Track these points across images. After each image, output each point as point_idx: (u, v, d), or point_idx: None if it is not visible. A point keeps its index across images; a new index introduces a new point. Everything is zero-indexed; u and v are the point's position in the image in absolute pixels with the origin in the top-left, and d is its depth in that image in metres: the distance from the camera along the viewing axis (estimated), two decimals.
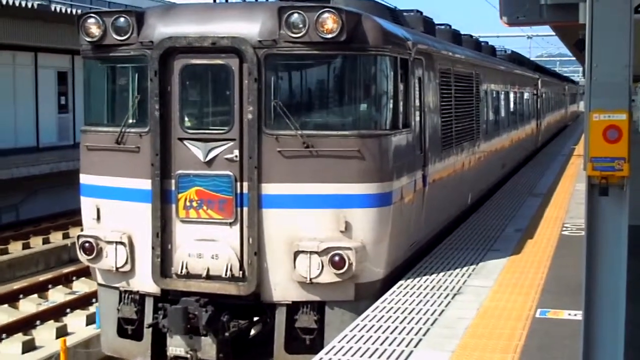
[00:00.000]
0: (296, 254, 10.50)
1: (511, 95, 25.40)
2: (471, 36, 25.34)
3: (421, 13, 17.91)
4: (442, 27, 21.29)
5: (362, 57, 10.68)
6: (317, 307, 10.71)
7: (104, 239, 11.21)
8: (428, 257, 12.91)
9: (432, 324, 9.49)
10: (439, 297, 10.57)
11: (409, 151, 11.92)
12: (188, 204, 10.78)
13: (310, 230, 10.54)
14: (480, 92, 18.64)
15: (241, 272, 10.64)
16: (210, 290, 10.73)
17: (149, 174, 10.82)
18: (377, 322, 9.61)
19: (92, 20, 11.00)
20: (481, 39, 30.25)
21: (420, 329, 9.32)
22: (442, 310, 9.99)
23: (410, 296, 10.66)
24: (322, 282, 10.47)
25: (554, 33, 26.76)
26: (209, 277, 10.71)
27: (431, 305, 10.24)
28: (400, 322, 9.56)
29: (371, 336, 9.10)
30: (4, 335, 15.25)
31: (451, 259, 12.84)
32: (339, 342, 8.93)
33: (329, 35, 10.28)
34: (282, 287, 10.65)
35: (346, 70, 10.77)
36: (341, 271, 10.41)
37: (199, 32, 10.62)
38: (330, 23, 10.24)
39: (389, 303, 10.35)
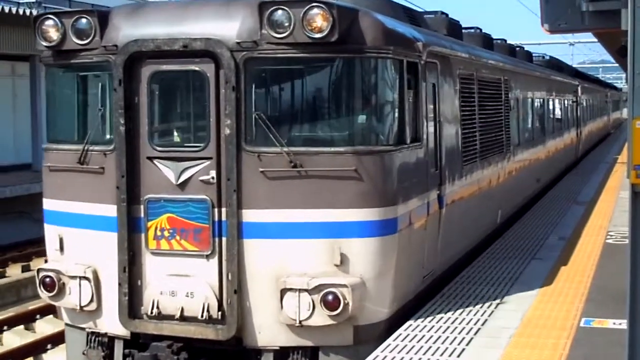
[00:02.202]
0: (283, 292, 8.95)
1: (548, 103, 23.62)
2: (505, 41, 23.70)
3: (446, 15, 16.36)
4: (471, 30, 19.79)
5: (359, 60, 9.10)
6: (309, 354, 9.14)
7: (66, 274, 9.74)
8: (468, 268, 12.69)
9: (475, 334, 9.35)
10: (481, 307, 10.43)
11: (420, 169, 10.31)
12: (159, 233, 9.28)
13: (300, 264, 8.99)
14: (511, 100, 16.94)
15: (220, 313, 9.11)
16: (184, 334, 9.22)
17: (114, 199, 9.34)
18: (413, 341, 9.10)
19: (49, 22, 9.56)
20: (523, 47, 28.70)
21: (464, 338, 9.19)
22: (486, 320, 9.86)
23: (450, 305, 10.26)
24: (314, 325, 8.91)
25: (596, 40, 25.32)
26: (183, 318, 9.20)
27: (469, 322, 9.75)
28: (434, 342, 9.09)
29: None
30: None
31: (493, 268, 12.68)
32: None
33: (319, 35, 8.73)
34: (268, 331, 9.10)
35: (340, 76, 9.20)
36: (335, 312, 8.83)
37: (169, 34, 9.13)
38: (319, 20, 8.70)
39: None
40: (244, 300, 9.08)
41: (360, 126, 9.21)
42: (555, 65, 31.84)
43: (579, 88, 33.16)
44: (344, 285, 8.84)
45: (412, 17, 12.77)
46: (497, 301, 10.64)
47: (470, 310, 10.23)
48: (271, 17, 8.84)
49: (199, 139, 9.25)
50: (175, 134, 9.55)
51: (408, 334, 9.28)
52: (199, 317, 9.10)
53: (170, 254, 9.27)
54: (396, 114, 9.65)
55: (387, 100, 9.50)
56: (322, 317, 8.87)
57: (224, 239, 9.09)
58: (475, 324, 9.69)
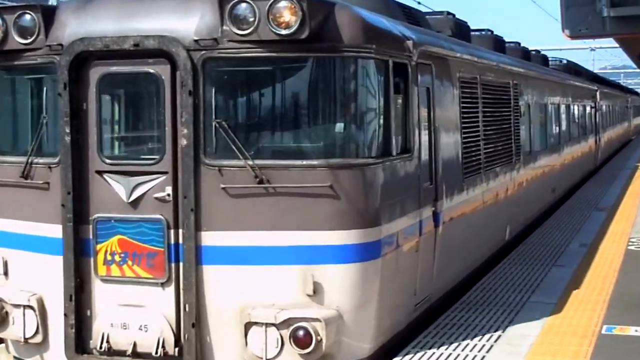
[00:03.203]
0: (247, 325, 7.81)
1: (563, 109, 22.35)
2: (519, 44, 22.50)
3: (453, 15, 15.21)
4: (482, 32, 18.61)
5: (334, 61, 7.95)
6: None
7: (9, 302, 8.64)
8: (490, 274, 12.55)
9: (495, 341, 9.19)
10: (502, 314, 10.26)
11: (410, 183, 9.14)
12: (109, 257, 8.16)
13: (267, 294, 7.85)
14: (521, 106, 15.72)
15: (177, 349, 7.98)
16: None
17: (60, 218, 8.24)
18: None
19: None
20: (544, 52, 27.55)
21: (484, 345, 9.01)
22: (506, 327, 9.71)
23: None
24: None
25: (617, 45, 24.35)
26: (136, 354, 8.08)
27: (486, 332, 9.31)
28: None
29: None
30: None
31: (514, 275, 12.52)
32: None
33: (286, 31, 7.59)
34: None
35: (313, 79, 8.05)
36: (307, 350, 7.68)
37: (119, 31, 8.01)
38: (287, 15, 7.57)
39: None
40: (203, 335, 7.94)
41: (337, 136, 8.05)
42: (573, 69, 30.56)
43: (598, 93, 31.82)
44: (317, 319, 7.68)
45: (412, 16, 11.61)
46: (518, 308, 10.55)
47: (491, 317, 10.13)
48: (233, 12, 7.71)
49: (153, 151, 8.13)
50: (127, 145, 8.43)
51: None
52: (154, 353, 7.98)
53: (122, 281, 8.15)
54: (380, 122, 8.49)
55: (370, 106, 8.33)
56: (292, 356, 7.72)
57: (181, 265, 7.97)
58: (495, 330, 9.56)
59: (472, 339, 9.18)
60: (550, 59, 28.65)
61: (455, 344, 8.95)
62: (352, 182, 7.88)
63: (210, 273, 7.92)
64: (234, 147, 7.79)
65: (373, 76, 8.36)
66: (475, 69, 12.41)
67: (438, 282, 10.33)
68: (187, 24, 7.87)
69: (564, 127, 22.27)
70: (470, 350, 8.77)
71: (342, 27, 7.84)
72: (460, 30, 14.78)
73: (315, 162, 7.83)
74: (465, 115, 11.56)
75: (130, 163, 8.15)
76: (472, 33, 17.60)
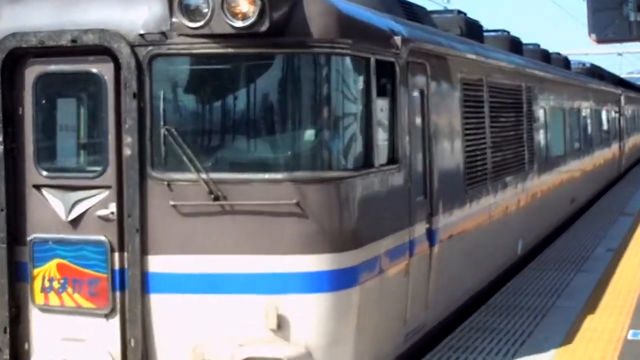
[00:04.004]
0: None
1: (585, 114, 21.11)
2: (538, 45, 21.32)
3: (464, 14, 14.10)
4: (497, 33, 17.47)
5: (302, 58, 6.87)
6: None
7: None
8: (515, 279, 12.50)
9: (520, 345, 9.13)
10: (527, 318, 10.23)
11: (397, 198, 8.03)
12: (47, 284, 7.10)
13: (224, 328, 6.76)
14: (535, 111, 14.54)
15: None
16: None
17: None
18: None
19: None
20: (570, 57, 26.37)
21: (508, 350, 8.97)
22: (531, 332, 9.66)
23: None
24: None
25: None
26: None
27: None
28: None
29: None
30: None
31: (539, 279, 12.51)
32: None
33: (243, 23, 6.51)
34: None
35: (277, 79, 6.94)
36: None
37: (56, 25, 6.97)
38: (243, 4, 6.48)
39: None
40: None
41: (307, 145, 6.94)
42: (596, 73, 29.25)
43: (622, 97, 30.47)
44: (281, 359, 6.60)
45: (412, 12, 10.51)
46: (543, 313, 10.51)
47: (516, 322, 10.10)
48: (184, 1, 6.65)
49: (95, 163, 7.07)
50: (68, 155, 7.36)
51: None
52: None
53: (62, 312, 7.10)
54: (359, 129, 7.38)
55: (346, 111, 7.22)
56: None
57: (126, 294, 6.92)
58: (520, 335, 9.52)
59: (496, 344, 9.18)
60: (572, 62, 27.44)
61: (480, 348, 8.97)
62: (322, 198, 6.79)
63: (158, 303, 6.85)
64: (185, 157, 6.72)
65: (350, 76, 7.26)
66: (481, 69, 11.27)
67: (435, 307, 9.21)
68: (132, 16, 6.82)
69: (585, 133, 21.02)
70: (495, 355, 8.79)
71: (311, 18, 6.75)
72: (471, 29, 13.65)
73: (279, 176, 6.74)
74: (468, 121, 10.43)
75: (71, 176, 7.10)
76: (487, 34, 16.53)
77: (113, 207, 6.90)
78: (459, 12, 14.21)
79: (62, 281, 7.07)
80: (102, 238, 6.90)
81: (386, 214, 7.73)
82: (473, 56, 10.92)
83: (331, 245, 6.83)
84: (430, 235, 8.95)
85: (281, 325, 6.72)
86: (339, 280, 6.90)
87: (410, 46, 8.38)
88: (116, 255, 6.91)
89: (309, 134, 6.93)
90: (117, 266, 6.91)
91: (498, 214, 11.86)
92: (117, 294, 6.92)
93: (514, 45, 16.87)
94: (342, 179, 6.92)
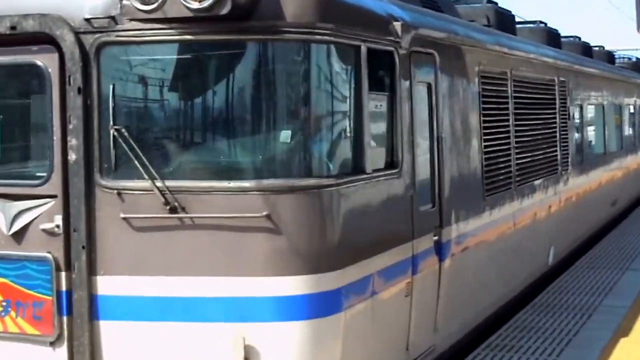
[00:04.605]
0: None
1: (627, 110, 19.80)
2: (579, 38, 20.11)
3: (495, 4, 13.06)
4: (532, 25, 16.37)
5: (273, 46, 5.88)
6: None
7: None
8: (562, 276, 12.48)
9: (566, 345, 9.02)
10: (573, 317, 10.17)
11: (396, 208, 6.99)
12: None
13: None
14: (570, 107, 13.37)
15: None
16: None
17: None
18: None
19: None
20: (619, 54, 25.15)
21: (554, 349, 8.83)
22: (577, 331, 9.57)
23: None
24: None
25: None
26: None
27: None
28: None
29: None
30: None
31: (586, 278, 12.38)
32: None
33: (200, 5, 5.53)
34: None
35: (245, 71, 5.94)
36: None
37: None
38: None
39: None
40: None
41: (281, 149, 5.93)
42: None
43: None
44: None
45: (431, 1, 9.43)
46: (590, 312, 10.40)
47: (562, 320, 9.99)
48: None
49: (40, 168, 6.15)
50: (9, 160, 6.43)
51: None
52: None
53: (4, 338, 6.19)
54: (346, 129, 6.37)
55: (329, 108, 6.17)
56: None
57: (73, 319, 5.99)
58: (566, 334, 9.41)
59: (541, 343, 9.08)
60: (617, 56, 26.10)
61: (525, 347, 8.86)
62: (298, 210, 5.79)
63: (108, 331, 5.91)
64: (137, 162, 5.77)
65: (334, 67, 6.23)
66: (504, 61, 10.17)
67: (447, 328, 8.16)
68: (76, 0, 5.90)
69: (627, 131, 19.72)
70: (540, 354, 8.67)
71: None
72: (501, 20, 12.56)
73: (246, 184, 5.76)
74: (488, 119, 9.34)
75: (12, 183, 6.18)
76: (520, 26, 15.44)
77: (59, 219, 5.98)
78: (489, 1, 13.16)
79: (4, 304, 6.15)
80: (47, 255, 5.98)
81: (381, 226, 6.71)
82: (495, 47, 9.82)
83: (308, 265, 5.83)
84: (440, 248, 7.91)
85: (250, 357, 5.74)
86: (319, 306, 5.89)
87: (413, 34, 7.34)
88: (63, 274, 5.98)
89: (284, 135, 5.93)
90: (63, 287, 5.98)
91: (525, 221, 10.75)
92: (64, 319, 6.00)
93: (551, 37, 15.73)
94: (322, 187, 5.90)
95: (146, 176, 5.75)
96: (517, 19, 14.78)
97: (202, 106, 5.96)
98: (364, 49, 6.41)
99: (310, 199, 5.83)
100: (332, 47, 6.13)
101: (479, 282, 9.13)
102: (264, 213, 5.71)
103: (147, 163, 5.75)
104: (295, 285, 5.80)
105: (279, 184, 5.76)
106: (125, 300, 5.88)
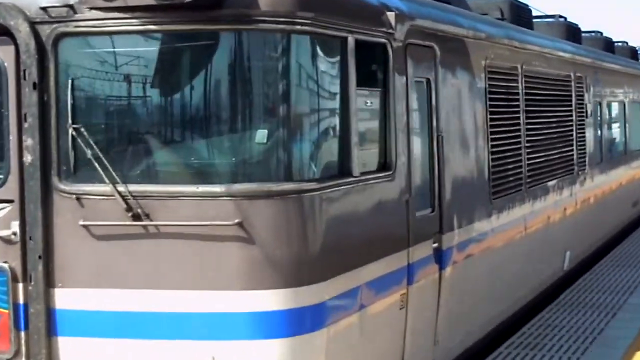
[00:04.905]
0: None
1: None
2: (601, 33, 19.45)
3: None
4: (551, 19, 15.77)
5: (246, 37, 5.36)
6: None
7: None
8: (587, 274, 12.45)
9: (590, 343, 8.97)
10: (598, 315, 10.14)
11: (389, 213, 6.45)
12: None
13: None
14: (588, 104, 12.76)
15: None
16: None
17: None
18: None
19: None
20: (627, 42, 24.39)
21: (578, 347, 8.78)
22: (602, 329, 9.50)
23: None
24: None
25: None
26: None
27: None
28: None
29: None
30: None
31: (611, 276, 12.26)
32: None
33: None
34: None
35: (215, 65, 5.43)
36: None
37: None
38: None
39: None
40: None
41: (256, 150, 5.41)
42: None
43: None
44: None
45: None
46: (615, 310, 10.34)
47: (586, 319, 9.90)
48: None
49: None
50: None
51: None
52: None
53: None
54: (330, 128, 5.84)
55: (311, 105, 5.63)
56: None
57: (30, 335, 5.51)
58: (590, 332, 9.35)
59: (566, 341, 9.03)
60: None
61: (549, 345, 8.83)
62: (273, 217, 5.27)
63: (67, 348, 5.42)
64: (97, 164, 5.28)
65: (317, 60, 5.70)
66: (516, 56, 9.59)
67: (449, 340, 7.62)
68: None
69: None
70: (564, 352, 8.62)
71: None
72: (517, 13, 11.98)
73: (216, 189, 5.24)
74: (495, 117, 8.78)
75: None
76: (538, 20, 14.85)
77: (16, 226, 5.50)
78: None
79: None
80: (3, 265, 5.50)
81: (371, 234, 6.17)
82: (504, 40, 9.25)
83: (286, 277, 5.31)
84: (440, 256, 7.37)
85: None
86: (298, 322, 5.37)
87: (409, 25, 6.79)
88: (20, 286, 5.50)
89: (260, 135, 5.40)
90: (21, 300, 5.50)
91: (537, 225, 10.18)
92: (22, 334, 5.51)
93: (570, 32, 15.10)
94: (301, 192, 5.38)
95: (107, 179, 5.25)
96: (535, 13, 14.25)
97: (169, 103, 5.45)
98: (351, 40, 5.88)
99: (288, 205, 5.31)
100: (315, 38, 5.60)
101: (485, 290, 8.57)
102: (236, 221, 5.20)
103: (108, 165, 5.25)
104: (272, 299, 5.28)
105: (253, 188, 5.24)
106: (85, 315, 5.39)
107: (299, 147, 5.51)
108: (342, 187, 5.76)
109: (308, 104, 5.62)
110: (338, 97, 5.85)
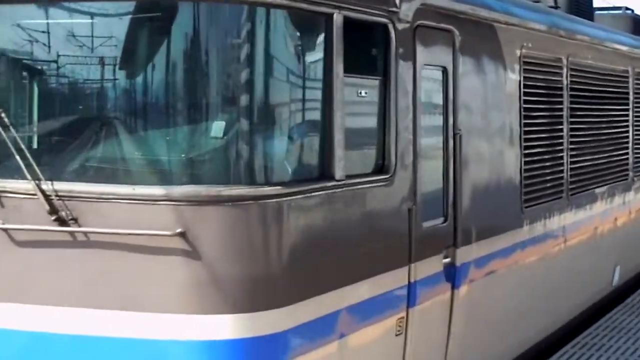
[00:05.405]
0: None
1: None
2: None
3: None
4: (617, 11, 14.56)
5: (200, 10, 4.42)
6: None
7: None
8: None
9: None
10: None
11: (386, 223, 5.48)
12: None
13: None
14: None
15: None
16: None
17: None
18: None
19: None
20: None
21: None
22: None
23: None
24: None
25: None
26: None
27: None
28: None
29: None
30: None
31: None
32: None
33: None
34: None
35: (161, 43, 4.52)
36: None
37: None
38: None
39: None
40: None
41: (211, 145, 4.50)
42: None
43: None
44: None
45: None
46: None
47: None
48: None
49: None
50: None
51: None
52: None
53: None
54: (309, 122, 4.89)
55: (284, 94, 4.72)
56: None
57: None
58: None
59: (632, 343, 8.87)
60: None
61: (614, 347, 8.66)
62: (223, 227, 4.35)
63: None
64: (18, 157, 4.43)
65: (293, 40, 4.77)
66: (561, 46, 8.49)
67: None
68: None
69: None
70: (631, 354, 8.51)
71: None
72: (574, 3, 10.86)
73: (155, 190, 4.35)
74: (531, 114, 7.70)
75: None
76: (601, 12, 13.69)
77: None
78: None
79: None
80: None
81: (358, 248, 5.20)
82: (545, 27, 8.15)
83: (237, 301, 4.39)
84: (453, 273, 6.37)
85: None
86: (252, 355, 4.46)
87: (420, 3, 5.78)
88: None
89: (216, 127, 4.48)
90: None
91: (581, 236, 9.07)
92: None
93: (637, 25, 13.86)
94: (259, 198, 4.45)
95: (29, 176, 4.41)
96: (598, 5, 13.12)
97: (102, 86, 4.56)
98: (338, 18, 4.91)
99: (242, 213, 4.38)
100: (291, 13, 4.66)
101: (512, 312, 7.53)
102: (177, 230, 4.30)
103: (30, 158, 4.41)
104: (219, 327, 4.37)
105: (198, 191, 4.33)
106: (1, 334, 4.57)
107: (264, 144, 4.58)
108: (319, 193, 4.81)
109: (279, 91, 4.68)
110: (319, 85, 4.90)
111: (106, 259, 4.39)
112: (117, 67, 4.53)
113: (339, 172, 4.94)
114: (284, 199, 4.54)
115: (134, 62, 4.53)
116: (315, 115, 4.91)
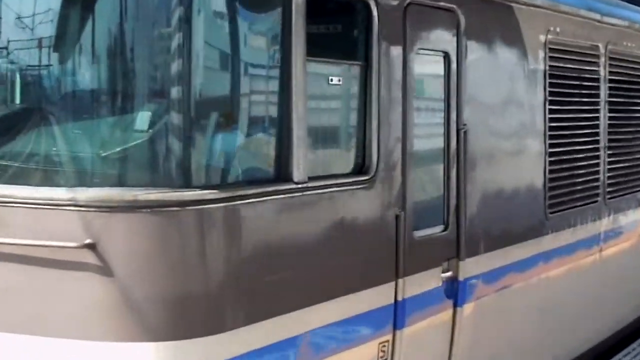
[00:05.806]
0: None
1: None
2: None
3: None
4: None
5: None
6: None
7: None
8: None
9: None
10: None
11: (361, 232, 4.71)
12: None
13: None
14: None
15: None
16: None
17: None
18: None
19: None
20: None
21: None
22: None
23: None
24: None
25: None
26: None
27: None
28: None
29: None
30: None
31: None
32: None
33: None
34: None
35: (75, 17, 3.83)
36: None
37: None
38: None
39: None
40: None
41: (133, 140, 3.79)
42: None
43: None
44: None
45: None
46: None
47: None
48: None
49: None
50: None
51: None
52: None
53: None
54: (260, 114, 4.15)
55: (227, 80, 3.98)
56: None
57: None
58: None
59: None
60: None
61: None
62: (140, 239, 3.64)
63: None
64: None
65: (239, 16, 4.02)
66: (597, 32, 7.58)
67: None
68: None
69: None
70: None
71: None
72: None
73: (60, 193, 3.65)
74: (559, 107, 6.82)
75: None
76: None
77: None
78: None
79: None
80: None
81: (327, 262, 4.44)
82: (578, 10, 7.24)
83: (159, 327, 3.66)
84: (456, 288, 5.56)
85: None
86: None
87: None
88: None
89: (140, 120, 3.76)
90: None
91: (619, 244, 8.15)
92: None
93: None
94: (191, 203, 3.71)
95: None
96: None
97: (7, 72, 3.87)
98: None
99: (163, 222, 3.66)
100: None
101: (529, 334, 6.66)
102: (85, 242, 3.60)
103: None
104: (139, 356, 3.67)
105: (111, 195, 3.62)
106: None
107: (199, 140, 3.84)
108: (270, 198, 4.06)
109: (220, 78, 3.95)
110: (275, 72, 4.15)
111: (4, 274, 3.71)
112: (26, 44, 3.84)
113: (297, 174, 4.18)
114: (216, 205, 3.79)
115: (42, 45, 3.83)
116: (270, 107, 4.16)
